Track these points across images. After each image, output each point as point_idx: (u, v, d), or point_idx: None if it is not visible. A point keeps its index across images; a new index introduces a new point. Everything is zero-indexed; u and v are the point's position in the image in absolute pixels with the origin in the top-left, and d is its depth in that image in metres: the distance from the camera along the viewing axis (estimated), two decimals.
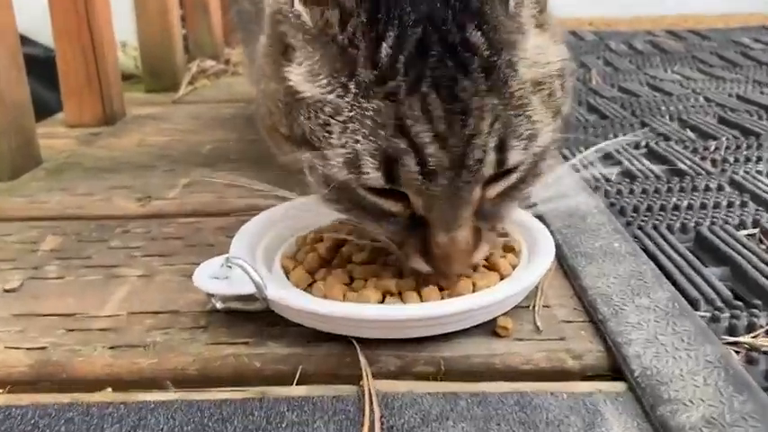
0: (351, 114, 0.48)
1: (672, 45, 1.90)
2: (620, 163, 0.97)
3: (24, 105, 1.03)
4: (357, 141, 0.48)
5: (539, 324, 0.58)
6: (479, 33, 0.47)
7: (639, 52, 1.82)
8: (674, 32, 2.07)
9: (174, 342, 0.58)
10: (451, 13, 0.47)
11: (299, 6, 0.49)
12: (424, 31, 0.47)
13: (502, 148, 0.48)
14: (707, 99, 1.32)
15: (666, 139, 1.09)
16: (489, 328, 0.57)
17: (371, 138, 0.47)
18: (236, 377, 0.54)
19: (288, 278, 0.62)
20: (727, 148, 1.03)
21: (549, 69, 0.51)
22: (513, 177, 0.52)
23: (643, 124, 1.17)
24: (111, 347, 0.57)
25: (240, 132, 1.17)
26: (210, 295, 0.60)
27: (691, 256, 0.68)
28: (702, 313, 0.59)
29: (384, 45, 0.47)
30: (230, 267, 0.58)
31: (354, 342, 0.55)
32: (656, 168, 0.95)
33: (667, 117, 1.21)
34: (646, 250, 0.70)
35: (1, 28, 0.98)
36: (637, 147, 1.05)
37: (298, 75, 0.51)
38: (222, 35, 1.78)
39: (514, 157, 0.49)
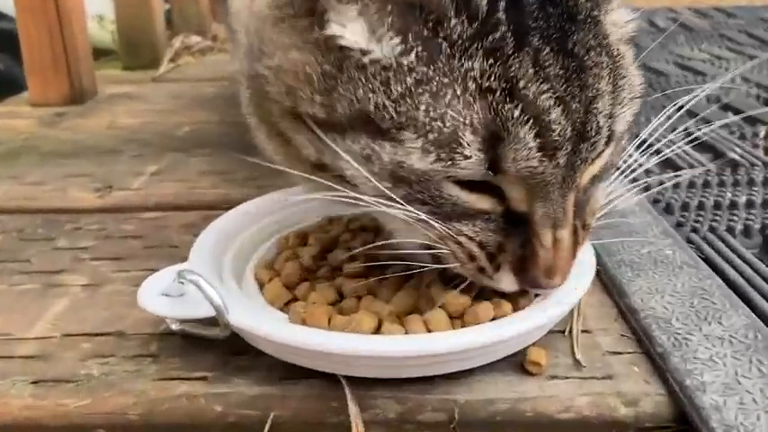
0: (445, 81, 0.38)
1: (696, 23, 1.77)
2: (656, 150, 0.84)
3: None
4: (456, 114, 0.38)
5: (579, 357, 0.46)
6: None
7: (662, 30, 1.69)
8: (697, 9, 1.94)
9: (115, 376, 0.47)
10: None
11: None
12: None
13: (610, 116, 0.41)
14: (745, 79, 1.19)
15: (707, 122, 0.96)
16: (516, 362, 0.46)
17: (473, 108, 0.38)
18: (189, 425, 0.44)
19: (262, 294, 0.50)
20: None
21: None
22: (606, 156, 0.43)
23: (679, 107, 1.04)
24: (35, 382, 0.47)
25: (222, 114, 1.06)
26: None
27: (764, 268, 0.55)
28: None
29: None
30: (183, 283, 0.45)
31: (342, 379, 0.44)
32: (702, 157, 0.82)
33: (704, 99, 1.07)
34: (706, 259, 0.57)
35: None
36: (674, 131, 0.92)
37: (356, 33, 0.39)
38: (210, 8, 1.65)
39: (619, 127, 0.42)
